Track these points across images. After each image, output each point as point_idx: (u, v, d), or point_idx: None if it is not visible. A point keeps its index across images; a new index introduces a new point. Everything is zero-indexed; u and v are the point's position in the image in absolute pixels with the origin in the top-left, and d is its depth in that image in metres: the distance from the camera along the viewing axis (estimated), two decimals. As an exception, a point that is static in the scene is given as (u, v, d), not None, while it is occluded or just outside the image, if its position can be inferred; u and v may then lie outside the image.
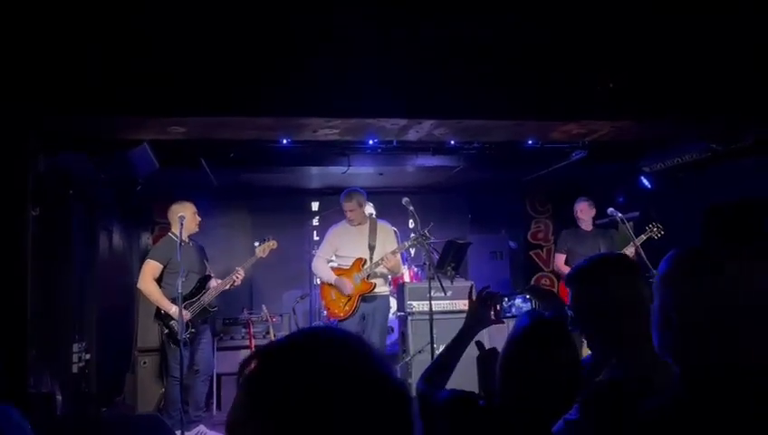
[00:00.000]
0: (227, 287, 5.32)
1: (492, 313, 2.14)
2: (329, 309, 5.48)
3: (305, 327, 0.95)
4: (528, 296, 2.17)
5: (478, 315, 2.14)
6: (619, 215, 5.73)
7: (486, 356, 2.02)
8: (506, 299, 2.18)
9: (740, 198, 5.91)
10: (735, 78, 4.18)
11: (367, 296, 5.38)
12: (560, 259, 6.33)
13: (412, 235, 5.58)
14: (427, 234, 5.17)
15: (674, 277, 1.23)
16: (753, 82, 4.18)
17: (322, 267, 5.52)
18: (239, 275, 5.31)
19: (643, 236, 5.87)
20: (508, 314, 2.19)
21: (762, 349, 1.16)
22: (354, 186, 5.68)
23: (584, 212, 6.16)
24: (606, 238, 6.19)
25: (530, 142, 5.62)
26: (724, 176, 5.79)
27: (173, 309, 5.01)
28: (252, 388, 0.83)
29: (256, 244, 5.63)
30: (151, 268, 5.18)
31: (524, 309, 2.16)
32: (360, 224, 5.51)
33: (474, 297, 2.19)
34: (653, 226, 5.94)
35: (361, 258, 5.41)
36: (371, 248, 5.46)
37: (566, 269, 6.19)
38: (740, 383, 1.12)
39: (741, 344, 1.14)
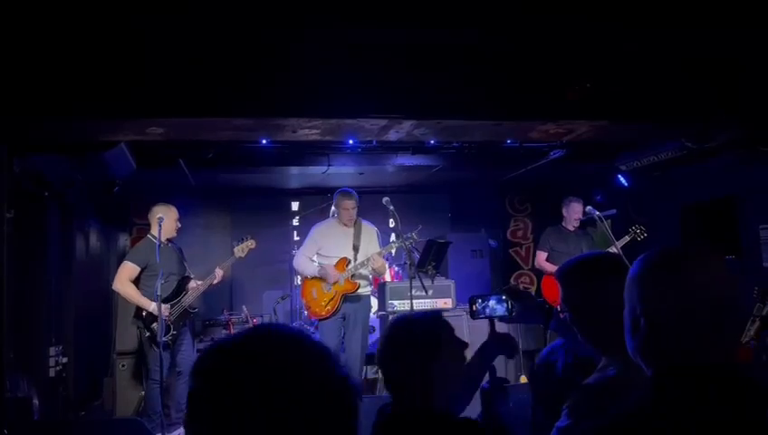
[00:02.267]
0: (207, 288, 5.29)
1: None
2: (310, 308, 5.45)
3: (259, 325, 1.00)
4: (504, 297, 2.16)
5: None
6: (597, 213, 5.79)
7: (496, 390, 2.01)
8: (480, 300, 2.17)
9: (713, 196, 6.03)
10: (708, 80, 4.25)
11: (349, 296, 5.36)
12: (541, 256, 6.36)
13: (394, 236, 5.60)
14: (415, 236, 5.18)
15: (639, 280, 1.24)
16: (725, 84, 4.26)
17: (305, 263, 5.46)
18: (218, 276, 5.29)
19: (627, 238, 5.94)
20: (482, 316, 2.18)
21: (728, 347, 1.18)
22: (346, 186, 5.66)
23: (577, 213, 6.20)
24: (587, 238, 6.28)
25: (509, 142, 5.67)
26: (699, 174, 5.90)
27: (152, 306, 4.95)
28: (207, 383, 0.87)
29: (235, 244, 5.59)
30: (128, 270, 5.12)
31: (499, 311, 2.16)
32: (348, 224, 5.49)
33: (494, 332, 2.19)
34: (636, 227, 5.99)
35: (345, 258, 5.39)
36: (356, 249, 5.45)
37: (548, 266, 6.23)
38: (709, 384, 1.13)
39: (708, 344, 1.15)
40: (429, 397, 1.79)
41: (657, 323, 1.19)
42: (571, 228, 6.28)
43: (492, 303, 2.15)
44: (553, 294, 6.01)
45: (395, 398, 1.86)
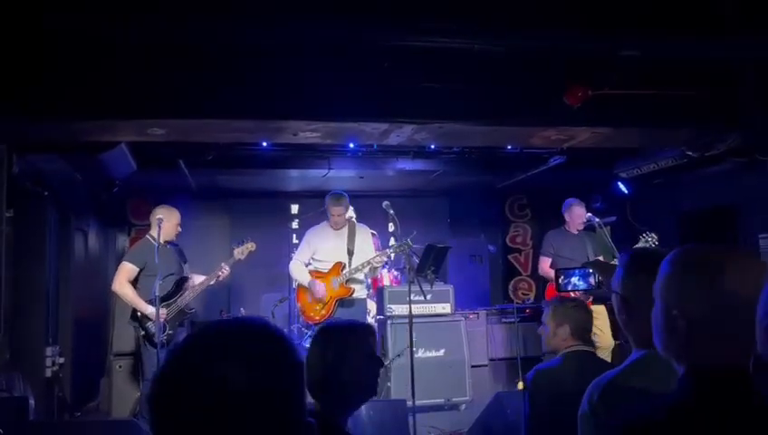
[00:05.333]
0: (212, 283, 5.27)
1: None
2: (305, 313, 5.40)
3: (229, 319, 1.04)
4: (590, 271, 2.18)
5: None
6: (597, 220, 5.78)
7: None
8: (563, 275, 2.22)
9: (712, 204, 6.04)
10: (708, 88, 4.26)
11: (344, 301, 5.30)
12: (545, 263, 6.03)
13: (392, 241, 5.59)
14: (410, 242, 5.17)
15: (676, 278, 1.23)
16: (725, 92, 4.27)
17: (298, 269, 5.42)
18: (224, 271, 5.25)
19: (639, 245, 5.84)
20: (565, 290, 2.26)
21: (751, 347, 1.18)
22: (338, 189, 5.59)
23: (579, 216, 5.91)
24: (592, 241, 5.99)
25: (509, 147, 5.67)
26: (699, 182, 5.91)
27: (149, 310, 4.94)
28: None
29: (234, 245, 5.57)
30: (126, 271, 5.11)
31: (581, 286, 2.18)
32: (341, 227, 5.45)
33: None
34: (648, 235, 5.85)
35: (341, 262, 5.35)
36: (350, 253, 5.40)
37: (552, 273, 5.88)
38: (747, 383, 1.13)
39: (743, 344, 1.14)
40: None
41: (698, 322, 1.18)
42: (575, 232, 5.98)
43: (575, 279, 2.19)
44: None
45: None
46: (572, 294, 2.36)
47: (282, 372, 0.93)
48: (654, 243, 5.75)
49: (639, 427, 1.16)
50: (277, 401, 0.91)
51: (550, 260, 5.98)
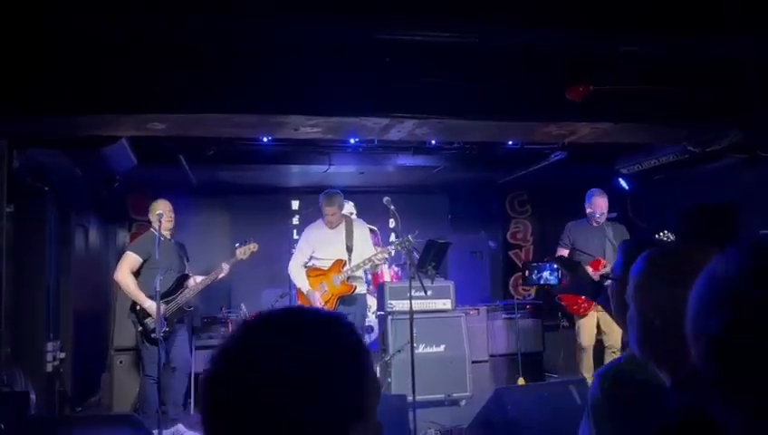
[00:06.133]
0: (211, 282, 5.28)
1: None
2: None
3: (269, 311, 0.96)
4: (556, 266, 2.18)
5: None
6: (597, 215, 5.76)
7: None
8: (534, 269, 2.21)
9: (713, 200, 6.03)
10: (709, 84, 4.26)
11: (345, 298, 5.30)
12: (561, 253, 5.71)
13: (392, 237, 5.58)
14: (411, 238, 5.16)
15: (649, 278, 1.23)
16: (726, 88, 4.26)
17: (297, 273, 5.39)
18: (224, 270, 5.25)
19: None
20: (534, 283, 2.24)
21: None
22: (333, 187, 5.57)
23: (600, 207, 5.61)
24: (614, 232, 5.70)
25: (510, 143, 5.66)
26: (700, 178, 5.90)
27: (147, 303, 4.94)
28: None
29: (237, 245, 5.55)
30: (130, 260, 5.11)
31: (552, 281, 2.18)
32: (337, 225, 5.42)
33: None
34: (664, 233, 5.76)
35: (341, 260, 5.32)
36: (349, 250, 5.37)
37: None
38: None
39: None
40: None
41: (673, 322, 1.18)
42: (595, 224, 5.69)
43: (545, 274, 2.19)
44: (566, 298, 5.62)
45: None
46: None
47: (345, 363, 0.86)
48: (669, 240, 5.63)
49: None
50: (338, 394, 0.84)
51: (567, 251, 5.78)
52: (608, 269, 5.25)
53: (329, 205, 5.28)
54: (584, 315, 5.56)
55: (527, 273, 2.20)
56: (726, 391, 0.71)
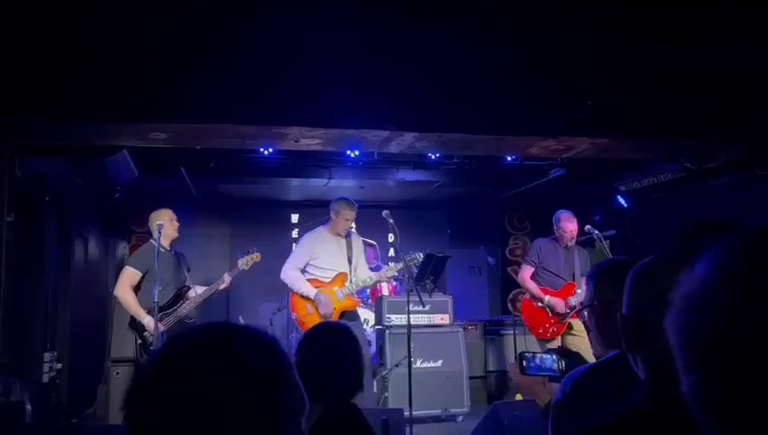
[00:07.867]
0: (212, 293, 5.26)
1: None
2: (303, 325, 5.09)
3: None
4: (555, 357, 2.18)
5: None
6: (596, 232, 5.75)
7: None
8: (531, 361, 2.18)
9: (712, 217, 6.04)
10: (708, 99, 4.30)
11: (344, 312, 5.19)
12: (526, 272, 5.54)
13: (391, 252, 5.58)
14: (420, 256, 5.13)
15: (632, 286, 1.30)
16: (725, 104, 4.30)
17: (297, 277, 5.16)
18: (226, 281, 5.22)
19: None
20: (533, 373, 2.18)
21: None
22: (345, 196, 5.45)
23: (567, 231, 5.41)
24: (582, 258, 5.62)
25: (509, 159, 5.69)
26: (698, 196, 5.92)
27: (146, 319, 4.93)
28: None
29: (240, 256, 5.52)
30: (129, 275, 5.09)
31: (554, 367, 2.16)
32: (344, 234, 5.32)
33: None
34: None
35: (345, 273, 5.21)
36: (350, 261, 5.30)
37: (531, 285, 5.49)
38: None
39: None
40: None
41: (651, 323, 1.22)
42: (565, 246, 5.51)
43: (547, 362, 2.17)
44: (531, 320, 5.50)
45: None
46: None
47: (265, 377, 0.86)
48: None
49: (604, 430, 1.19)
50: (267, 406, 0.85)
51: (532, 270, 5.52)
52: (579, 299, 5.21)
53: (351, 210, 5.18)
54: (549, 341, 5.30)
55: (523, 363, 2.17)
56: (709, 393, 0.70)
